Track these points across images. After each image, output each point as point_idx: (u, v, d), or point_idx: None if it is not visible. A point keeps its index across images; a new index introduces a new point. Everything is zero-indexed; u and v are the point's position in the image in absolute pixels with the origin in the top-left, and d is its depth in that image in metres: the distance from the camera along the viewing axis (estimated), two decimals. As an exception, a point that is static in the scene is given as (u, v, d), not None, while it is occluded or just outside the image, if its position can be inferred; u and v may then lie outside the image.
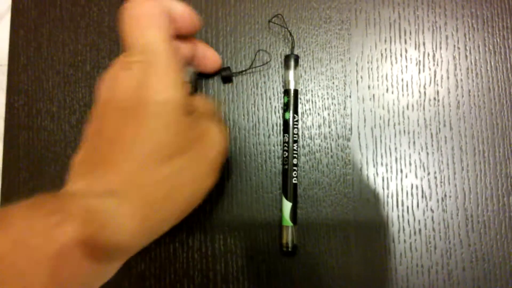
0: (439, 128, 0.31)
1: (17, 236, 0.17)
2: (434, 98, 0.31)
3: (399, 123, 0.31)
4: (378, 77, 0.31)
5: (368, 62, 0.31)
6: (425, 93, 0.31)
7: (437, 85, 0.31)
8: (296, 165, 0.30)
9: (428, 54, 0.31)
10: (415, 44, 0.32)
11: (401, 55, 0.32)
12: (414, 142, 0.30)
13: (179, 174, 0.22)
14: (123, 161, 0.21)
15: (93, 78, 0.32)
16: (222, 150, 0.24)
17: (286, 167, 0.30)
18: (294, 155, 0.30)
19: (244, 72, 0.32)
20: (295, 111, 0.30)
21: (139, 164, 0.21)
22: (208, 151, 0.24)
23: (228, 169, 0.31)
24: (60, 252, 0.17)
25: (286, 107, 0.30)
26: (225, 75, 0.31)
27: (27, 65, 0.33)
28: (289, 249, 0.29)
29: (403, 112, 0.31)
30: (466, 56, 0.31)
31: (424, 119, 0.31)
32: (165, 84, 0.22)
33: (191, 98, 0.25)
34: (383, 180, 0.30)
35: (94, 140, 0.22)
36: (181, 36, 0.26)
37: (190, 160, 0.23)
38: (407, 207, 0.30)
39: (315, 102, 0.31)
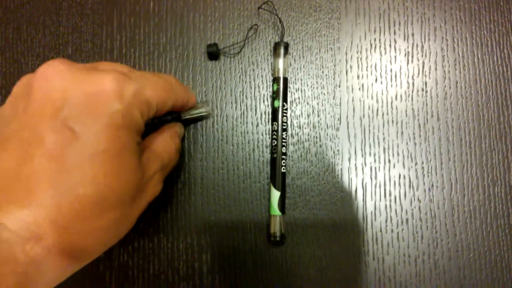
0: (427, 119, 0.31)
1: None
2: (422, 89, 0.31)
3: (387, 113, 0.31)
4: (367, 67, 0.31)
5: (357, 52, 0.31)
6: (413, 83, 0.31)
7: (425, 76, 0.31)
8: (284, 154, 0.29)
9: (417, 45, 0.32)
10: (404, 35, 0.32)
11: (390, 46, 0.31)
12: (402, 132, 0.30)
13: (111, 228, 0.20)
14: (61, 203, 0.18)
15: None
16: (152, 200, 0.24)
17: (275, 155, 0.29)
18: (283, 143, 0.29)
19: (232, 47, 0.31)
20: (285, 99, 0.30)
21: (77, 212, 0.18)
22: (143, 204, 0.23)
23: (214, 159, 0.30)
24: None
25: (275, 95, 0.30)
26: (212, 51, 0.30)
27: (5, 47, 0.31)
28: (277, 239, 0.28)
29: (391, 102, 0.31)
30: (454, 48, 0.31)
31: (412, 109, 0.31)
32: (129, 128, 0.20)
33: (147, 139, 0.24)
34: (371, 170, 0.30)
35: (25, 153, 0.18)
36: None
37: (128, 212, 0.21)
38: (395, 197, 0.30)
39: (305, 91, 0.31)
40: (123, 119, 0.19)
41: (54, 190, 0.18)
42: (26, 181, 0.18)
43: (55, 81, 0.19)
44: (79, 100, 0.19)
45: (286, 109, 0.30)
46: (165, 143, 0.25)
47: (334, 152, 0.30)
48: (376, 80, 0.31)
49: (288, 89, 0.31)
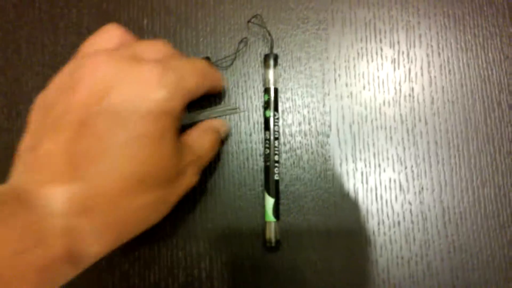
0: (415, 123, 0.31)
1: (15, 248, 0.16)
2: (409, 95, 0.32)
3: (376, 119, 0.32)
4: (355, 75, 0.32)
5: (345, 61, 0.32)
6: (400, 89, 0.32)
7: (412, 82, 0.32)
8: (277, 162, 0.30)
9: (403, 52, 0.32)
10: (390, 43, 0.33)
11: (376, 54, 0.32)
12: (391, 137, 0.31)
13: (149, 207, 0.22)
14: (107, 179, 0.20)
15: (73, 80, 0.32)
16: (188, 191, 0.25)
17: (268, 164, 0.30)
18: (276, 152, 0.30)
19: (223, 60, 0.32)
20: (276, 109, 0.31)
21: (121, 188, 0.20)
22: (180, 190, 0.24)
23: (210, 168, 0.31)
24: (44, 267, 0.17)
25: (266, 105, 0.31)
26: None
27: (5, 67, 0.33)
28: (273, 245, 0.29)
29: (379, 108, 0.32)
30: (439, 54, 0.32)
31: (400, 114, 0.32)
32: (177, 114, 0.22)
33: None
34: (362, 175, 0.31)
35: (74, 133, 0.20)
36: None
37: (166, 195, 0.23)
38: (386, 201, 0.31)
39: (295, 100, 0.32)
40: (165, 105, 0.21)
41: (101, 168, 0.19)
42: (75, 159, 0.19)
43: (103, 70, 0.20)
44: (125, 88, 0.20)
45: (278, 118, 0.31)
46: (198, 136, 0.26)
47: (325, 158, 0.31)
48: (364, 87, 0.32)
49: (279, 99, 0.32)
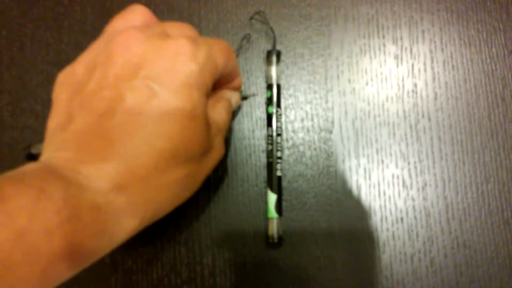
0: (418, 119, 0.31)
1: (21, 227, 0.15)
2: (413, 90, 0.32)
3: (379, 115, 0.31)
4: (358, 71, 0.32)
5: (348, 57, 0.32)
6: (403, 85, 0.32)
7: (415, 77, 0.32)
8: (280, 158, 0.30)
9: (406, 48, 0.32)
10: (393, 39, 0.32)
11: (379, 50, 0.32)
12: (394, 133, 0.31)
13: (181, 183, 0.22)
14: (141, 156, 0.19)
15: (77, 77, 0.32)
16: (217, 164, 0.25)
17: (271, 160, 0.30)
18: (278, 148, 0.30)
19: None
20: (278, 105, 0.31)
21: (155, 164, 0.20)
22: (210, 164, 0.24)
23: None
24: (73, 244, 0.17)
25: (269, 102, 0.31)
26: None
27: (10, 65, 0.33)
28: (275, 241, 0.29)
29: (382, 104, 0.32)
30: (442, 49, 0.32)
31: (403, 110, 0.31)
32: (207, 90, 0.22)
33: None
34: (365, 171, 0.31)
35: (107, 109, 0.19)
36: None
37: (196, 170, 0.23)
38: (389, 197, 0.31)
39: (298, 97, 0.32)
40: (197, 79, 0.21)
41: (134, 144, 0.19)
42: (107, 135, 0.19)
43: (135, 47, 0.20)
44: (158, 63, 0.20)
45: (280, 115, 0.31)
46: (215, 106, 0.26)
47: (328, 154, 0.31)
48: (367, 83, 0.32)
49: (282, 95, 0.32)
